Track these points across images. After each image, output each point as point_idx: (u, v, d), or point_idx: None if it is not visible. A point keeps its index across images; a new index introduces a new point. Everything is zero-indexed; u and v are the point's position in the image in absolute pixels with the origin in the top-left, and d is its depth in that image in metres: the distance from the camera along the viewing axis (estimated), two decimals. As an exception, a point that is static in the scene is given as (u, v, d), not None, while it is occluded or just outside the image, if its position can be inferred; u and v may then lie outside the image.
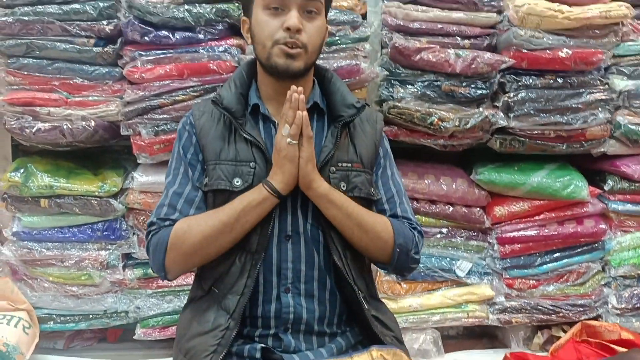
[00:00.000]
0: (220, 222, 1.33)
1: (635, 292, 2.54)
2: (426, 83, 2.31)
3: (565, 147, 2.43)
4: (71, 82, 2.25)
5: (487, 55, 2.28)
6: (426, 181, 2.41)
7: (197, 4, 2.20)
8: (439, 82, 2.31)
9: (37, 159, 2.39)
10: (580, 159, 2.59)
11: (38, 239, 2.36)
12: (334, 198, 1.36)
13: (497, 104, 2.36)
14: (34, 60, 2.23)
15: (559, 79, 2.35)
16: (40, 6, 2.20)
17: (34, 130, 2.22)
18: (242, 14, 1.49)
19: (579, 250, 2.52)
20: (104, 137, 2.30)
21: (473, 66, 2.26)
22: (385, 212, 1.49)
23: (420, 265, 2.16)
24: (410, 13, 2.29)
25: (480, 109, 2.32)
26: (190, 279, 2.20)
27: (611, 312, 2.54)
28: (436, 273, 2.45)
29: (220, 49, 2.23)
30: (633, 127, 2.42)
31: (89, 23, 2.20)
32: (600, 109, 2.40)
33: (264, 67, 1.40)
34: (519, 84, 2.33)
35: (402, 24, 2.30)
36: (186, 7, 2.18)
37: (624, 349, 2.19)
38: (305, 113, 1.31)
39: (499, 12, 2.34)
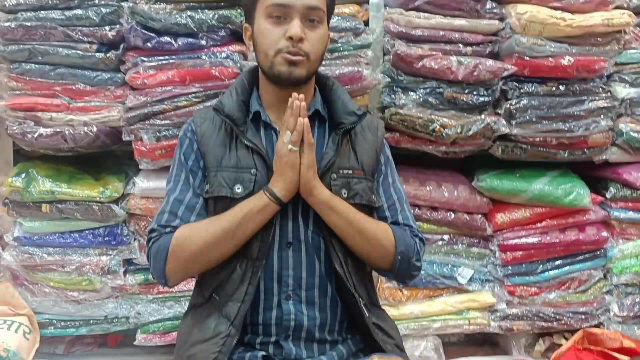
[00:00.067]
0: (221, 229, 1.33)
1: (637, 299, 2.53)
2: (428, 90, 2.31)
3: (567, 155, 2.43)
4: (73, 87, 2.25)
5: (490, 62, 2.28)
6: (428, 188, 2.41)
7: (199, 10, 2.20)
8: (441, 89, 2.30)
9: (38, 164, 2.39)
10: (582, 167, 2.58)
11: (39, 244, 2.36)
12: (335, 205, 1.36)
13: (499, 111, 2.35)
14: (37, 66, 2.23)
15: (561, 87, 2.35)
16: (43, 12, 2.20)
17: (35, 135, 2.22)
18: (244, 21, 1.50)
19: (580, 257, 2.51)
20: (106, 142, 2.30)
21: (475, 73, 2.25)
22: (386, 220, 1.49)
23: (422, 272, 2.15)
24: (413, 20, 2.28)
25: (483, 116, 2.31)
26: (191, 284, 2.20)
27: (613, 320, 2.53)
28: (437, 280, 2.45)
29: (223, 55, 2.23)
30: (635, 134, 2.41)
31: (91, 29, 2.20)
32: (602, 116, 2.39)
33: (267, 75, 1.41)
34: (521, 91, 2.33)
35: (404, 30, 2.29)
36: (189, 13, 2.18)
37: (626, 357, 2.19)
38: (306, 120, 1.31)
39: (501, 19, 2.34)
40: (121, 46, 2.24)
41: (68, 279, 2.37)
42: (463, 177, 2.53)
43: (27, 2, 2.20)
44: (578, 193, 2.40)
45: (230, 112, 1.41)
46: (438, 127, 2.26)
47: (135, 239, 2.39)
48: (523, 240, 2.46)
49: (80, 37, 2.20)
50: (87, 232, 2.36)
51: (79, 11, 2.19)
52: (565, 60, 2.29)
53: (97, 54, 2.21)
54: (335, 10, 2.16)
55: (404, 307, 2.44)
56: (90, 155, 2.42)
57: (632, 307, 2.52)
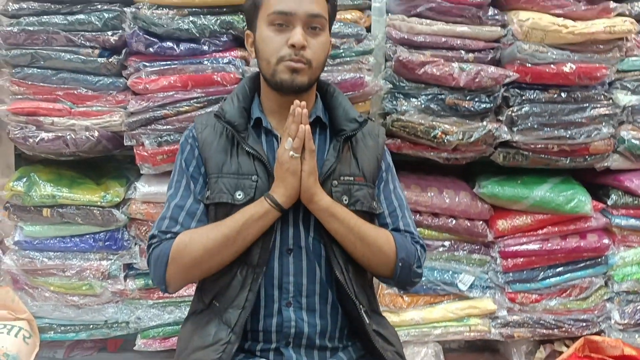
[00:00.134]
0: (222, 235, 1.33)
1: (638, 307, 2.52)
2: (430, 96, 2.31)
3: (569, 161, 2.42)
4: (75, 92, 2.26)
5: (491, 69, 2.28)
6: (429, 194, 2.41)
7: (201, 16, 2.20)
8: (442, 96, 2.30)
9: (40, 168, 2.40)
10: (583, 173, 2.58)
11: (40, 249, 2.36)
12: (335, 212, 1.36)
13: (501, 118, 2.35)
14: (39, 70, 2.24)
15: (562, 94, 2.35)
16: (45, 16, 2.21)
17: (37, 139, 2.22)
18: (246, 27, 1.50)
19: (581, 264, 2.50)
20: (107, 147, 2.30)
21: (477, 80, 2.25)
22: (387, 226, 1.49)
23: (423, 278, 2.15)
24: (415, 26, 2.29)
25: (484, 123, 2.31)
26: (191, 290, 2.18)
27: (614, 328, 2.53)
28: (438, 286, 2.44)
29: (225, 60, 2.23)
30: (637, 142, 2.41)
31: (93, 34, 2.21)
32: (604, 123, 2.39)
33: (269, 82, 1.40)
34: (523, 98, 2.33)
35: (406, 37, 2.30)
36: (191, 18, 2.19)
37: (627, 365, 2.18)
38: (308, 127, 1.31)
39: (503, 26, 2.34)
40: (123, 51, 2.25)
41: (68, 284, 2.37)
42: (464, 184, 2.53)
43: (30, 6, 2.21)
44: (579, 200, 2.40)
45: (231, 118, 1.41)
46: (439, 133, 2.26)
47: (135, 244, 2.39)
48: (524, 247, 2.45)
49: (83, 42, 2.21)
50: (87, 236, 2.36)
51: (81, 16, 2.21)
52: (567, 68, 2.29)
53: (99, 59, 2.22)
54: (337, 17, 2.17)
55: (404, 314, 2.44)
56: (92, 160, 2.42)
57: (634, 314, 2.51)
